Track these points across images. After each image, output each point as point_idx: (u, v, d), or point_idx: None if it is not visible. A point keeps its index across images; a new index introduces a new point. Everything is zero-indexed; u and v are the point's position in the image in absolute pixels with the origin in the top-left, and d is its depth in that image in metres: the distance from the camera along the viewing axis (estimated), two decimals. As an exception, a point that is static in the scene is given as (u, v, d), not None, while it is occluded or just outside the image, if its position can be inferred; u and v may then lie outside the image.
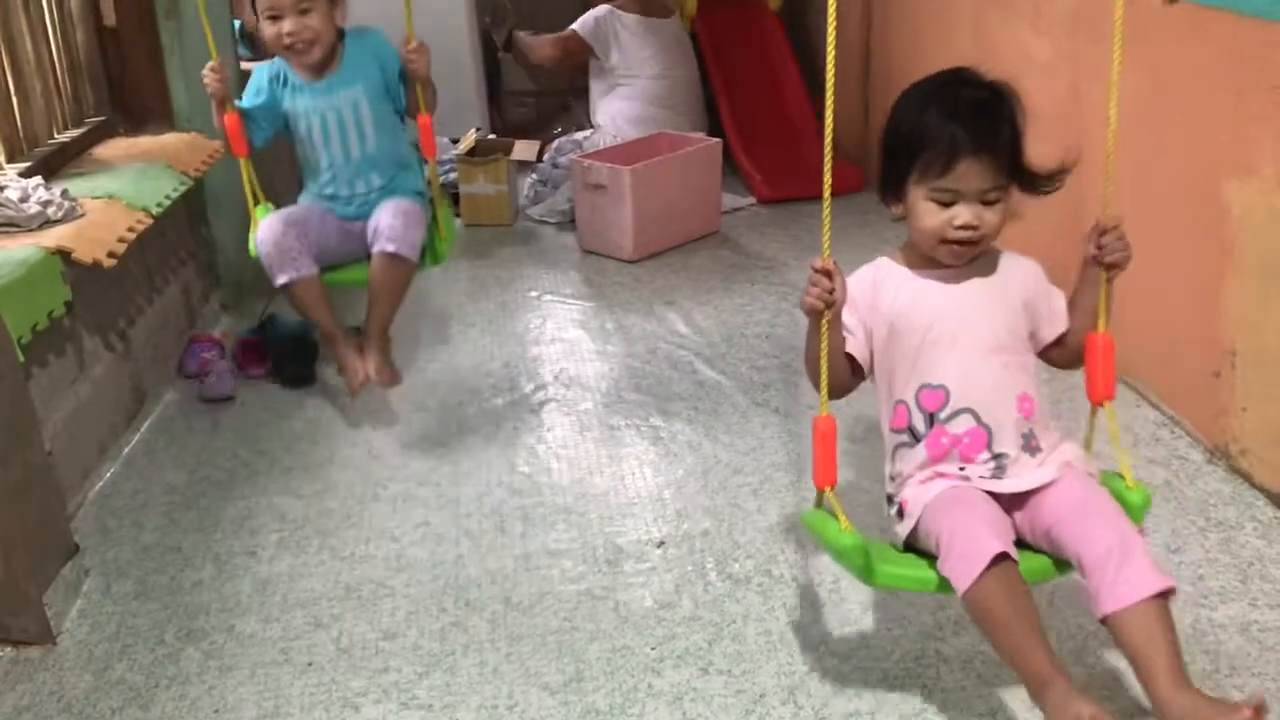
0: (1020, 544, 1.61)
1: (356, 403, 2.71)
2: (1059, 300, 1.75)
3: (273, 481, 2.48)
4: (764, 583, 2.05)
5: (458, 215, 4.24)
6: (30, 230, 2.32)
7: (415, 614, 2.02)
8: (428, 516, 2.32)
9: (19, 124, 2.70)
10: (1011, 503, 1.64)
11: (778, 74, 4.78)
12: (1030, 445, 1.67)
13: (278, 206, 2.66)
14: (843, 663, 1.84)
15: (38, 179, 2.47)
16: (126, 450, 2.62)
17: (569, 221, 4.09)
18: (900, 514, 1.68)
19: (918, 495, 1.64)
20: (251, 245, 2.58)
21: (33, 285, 2.14)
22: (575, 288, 3.60)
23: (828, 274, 1.61)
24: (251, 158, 2.60)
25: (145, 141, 3.06)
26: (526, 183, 4.40)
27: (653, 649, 1.90)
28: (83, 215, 2.45)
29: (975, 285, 1.70)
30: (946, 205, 1.62)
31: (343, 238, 2.64)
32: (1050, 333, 1.74)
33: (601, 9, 4.60)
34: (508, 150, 4.30)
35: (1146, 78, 2.53)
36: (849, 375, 1.74)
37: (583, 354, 3.09)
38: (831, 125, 1.58)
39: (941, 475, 1.65)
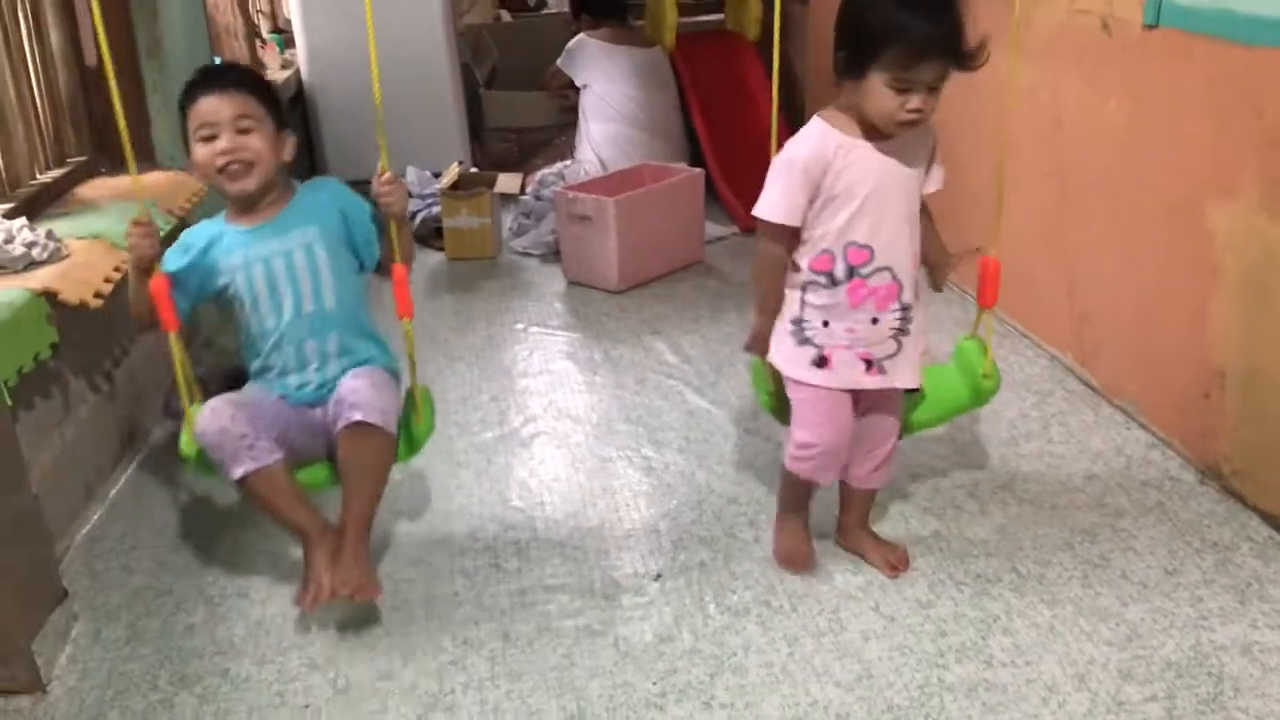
0: None
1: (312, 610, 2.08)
2: (938, 171, 1.99)
3: (263, 521, 2.45)
4: (763, 613, 2.04)
5: (441, 249, 4.24)
6: (15, 272, 2.30)
7: (412, 653, 2.00)
8: (421, 554, 2.30)
9: (1, 165, 2.68)
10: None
11: (756, 102, 4.81)
12: (916, 295, 1.99)
13: None
14: (846, 693, 1.83)
15: (22, 220, 2.45)
16: (114, 492, 2.59)
17: (553, 253, 4.10)
18: (821, 363, 1.99)
19: (815, 375, 1.99)
20: (184, 443, 2.06)
21: (19, 328, 2.11)
22: (561, 319, 3.60)
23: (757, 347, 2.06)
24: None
25: (128, 181, 3.03)
26: (510, 216, 4.41)
27: (654, 684, 1.88)
28: (68, 256, 2.43)
29: (899, 153, 1.90)
30: (901, 92, 1.79)
31: (301, 427, 2.13)
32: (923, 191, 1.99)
33: (579, 38, 4.67)
34: (491, 183, 4.30)
35: (1128, 103, 2.56)
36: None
37: (571, 385, 3.08)
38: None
39: (852, 330, 1.96)
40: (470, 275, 4.04)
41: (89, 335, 2.55)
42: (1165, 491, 2.35)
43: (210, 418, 2.00)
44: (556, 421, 2.87)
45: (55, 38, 2.97)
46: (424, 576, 2.22)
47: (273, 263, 2.11)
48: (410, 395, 2.16)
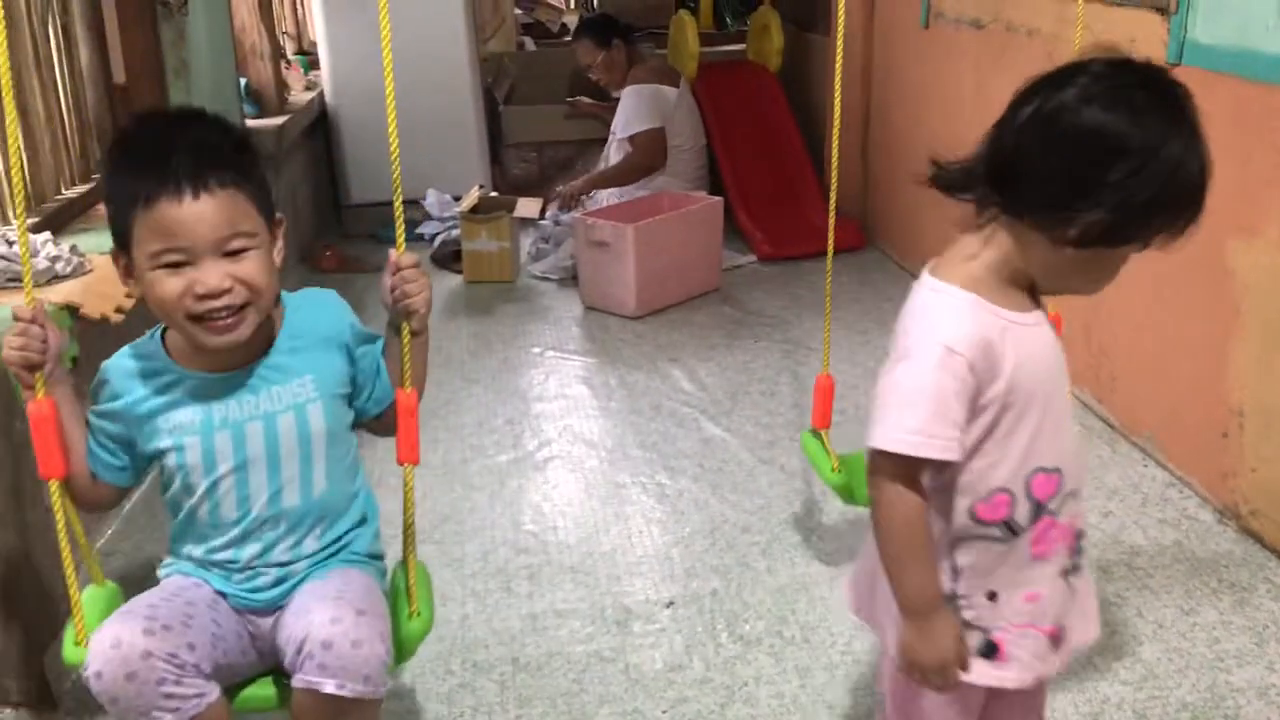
0: None
1: None
2: None
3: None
4: (775, 644, 2.03)
5: (459, 272, 4.25)
6: (38, 285, 2.32)
7: (421, 675, 1.99)
8: (432, 575, 2.29)
9: (28, 180, 2.70)
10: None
11: (777, 134, 4.83)
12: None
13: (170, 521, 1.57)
14: (857, 727, 1.82)
15: (46, 234, 2.47)
16: (127, 508, 2.59)
17: (571, 278, 4.11)
18: (990, 652, 1.27)
19: (982, 671, 1.28)
20: (67, 648, 1.45)
21: (40, 341, 2.13)
22: (578, 344, 3.60)
23: None
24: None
25: (152, 198, 3.06)
26: (529, 240, 4.42)
27: (664, 712, 1.87)
28: (91, 271, 2.44)
29: (1048, 325, 1.30)
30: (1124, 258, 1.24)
31: (245, 638, 1.50)
32: None
33: (651, 88, 4.51)
34: (510, 207, 4.32)
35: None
36: None
37: (587, 411, 3.08)
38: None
39: (1035, 598, 1.28)
40: (488, 299, 4.05)
41: (108, 349, 2.56)
42: (1182, 530, 2.34)
43: (111, 655, 1.31)
44: (571, 446, 2.87)
45: (85, 56, 3.01)
46: (434, 597, 2.21)
47: (246, 429, 1.43)
48: (403, 570, 1.57)
